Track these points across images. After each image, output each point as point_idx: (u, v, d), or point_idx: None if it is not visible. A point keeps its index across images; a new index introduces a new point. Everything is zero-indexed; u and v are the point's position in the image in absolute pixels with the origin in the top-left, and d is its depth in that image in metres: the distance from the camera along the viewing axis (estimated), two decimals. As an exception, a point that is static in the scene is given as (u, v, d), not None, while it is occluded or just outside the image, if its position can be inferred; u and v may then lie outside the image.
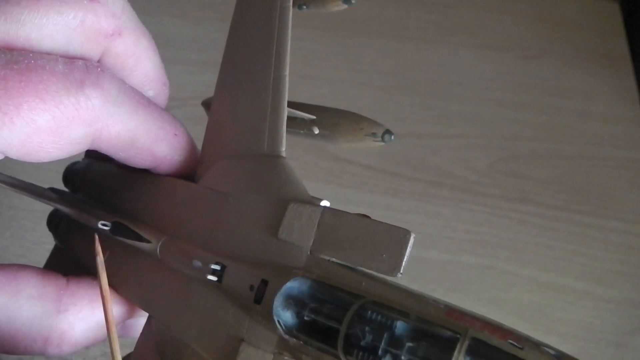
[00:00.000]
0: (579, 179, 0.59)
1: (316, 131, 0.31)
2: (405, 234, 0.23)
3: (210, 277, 0.25)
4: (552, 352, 0.20)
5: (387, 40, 0.71)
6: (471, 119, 0.64)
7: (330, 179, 0.57)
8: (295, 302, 0.22)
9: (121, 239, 0.28)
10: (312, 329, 0.21)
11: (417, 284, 0.54)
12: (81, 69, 0.24)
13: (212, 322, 0.25)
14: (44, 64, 0.24)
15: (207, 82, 0.65)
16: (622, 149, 0.62)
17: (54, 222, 0.34)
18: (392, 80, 0.67)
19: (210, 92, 0.67)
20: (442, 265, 0.52)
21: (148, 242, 0.28)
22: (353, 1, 0.31)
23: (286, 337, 0.22)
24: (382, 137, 0.30)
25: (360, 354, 0.20)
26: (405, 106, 0.64)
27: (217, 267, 0.25)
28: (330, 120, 0.31)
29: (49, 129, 0.24)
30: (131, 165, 0.29)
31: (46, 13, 0.24)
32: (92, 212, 0.30)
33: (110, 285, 0.27)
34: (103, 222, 0.28)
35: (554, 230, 0.55)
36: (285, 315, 0.22)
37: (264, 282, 0.23)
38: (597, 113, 0.65)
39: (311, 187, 0.62)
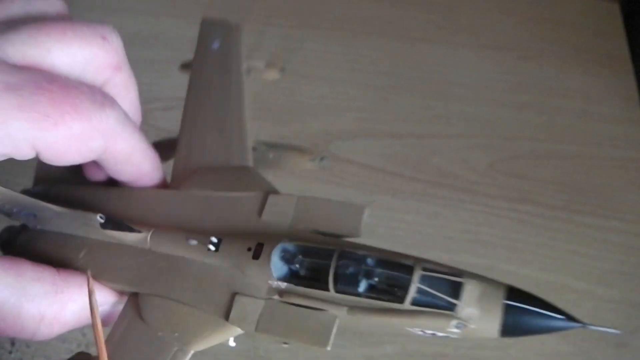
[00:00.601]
0: (579, 179, 0.59)
1: (270, 155, 0.39)
2: (362, 207, 0.31)
3: (211, 246, 0.30)
4: (493, 281, 0.27)
5: (387, 40, 0.71)
6: (471, 119, 0.64)
7: (330, 179, 0.57)
8: (287, 257, 0.29)
9: (111, 232, 0.32)
10: (302, 275, 0.28)
11: (417, 284, 0.53)
12: (100, 92, 0.31)
13: (206, 284, 0.30)
14: (75, 85, 0.29)
15: (207, 82, 0.65)
16: (622, 148, 0.62)
17: (8, 239, 0.37)
18: (392, 80, 0.67)
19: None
20: (442, 265, 0.52)
21: (139, 232, 0.32)
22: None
23: (276, 283, 0.29)
24: (321, 160, 0.38)
25: (345, 283, 0.27)
26: (405, 106, 0.64)
27: (215, 240, 0.30)
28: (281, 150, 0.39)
29: (78, 136, 0.29)
30: (117, 178, 0.35)
31: (70, 46, 0.30)
32: (83, 210, 0.33)
33: (94, 277, 0.31)
34: (100, 214, 0.32)
35: (554, 230, 0.55)
36: (279, 267, 0.29)
37: (260, 245, 0.29)
38: (597, 113, 0.65)
39: (311, 188, 0.63)
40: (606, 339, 0.48)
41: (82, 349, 0.45)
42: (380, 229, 0.54)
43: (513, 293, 0.27)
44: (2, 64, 0.28)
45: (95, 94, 0.30)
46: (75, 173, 0.38)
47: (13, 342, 0.45)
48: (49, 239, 0.35)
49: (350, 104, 0.64)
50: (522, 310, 0.26)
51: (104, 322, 0.32)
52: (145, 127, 0.59)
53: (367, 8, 0.75)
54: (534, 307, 0.26)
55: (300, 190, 0.55)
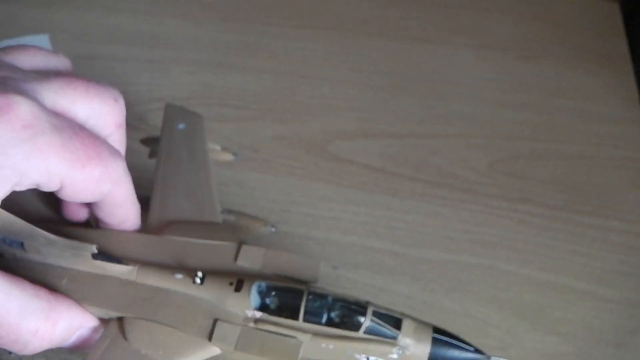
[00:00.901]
0: (579, 179, 0.59)
1: (232, 218, 0.45)
2: (318, 261, 0.38)
3: (197, 280, 0.36)
4: (423, 321, 0.35)
5: (387, 40, 0.71)
6: (471, 119, 0.64)
7: (330, 179, 0.57)
8: (262, 292, 0.35)
9: (101, 263, 0.37)
10: (274, 307, 0.35)
11: (417, 284, 0.54)
12: (111, 145, 0.36)
13: (189, 310, 0.35)
14: (97, 135, 0.35)
15: (206, 82, 0.65)
16: (622, 148, 0.62)
17: None
18: (391, 80, 0.67)
19: (209, 92, 0.68)
20: (442, 265, 0.52)
21: (127, 265, 0.37)
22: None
23: (252, 312, 0.35)
24: (272, 227, 0.46)
25: (311, 315, 0.34)
26: (405, 106, 0.64)
27: (201, 275, 0.36)
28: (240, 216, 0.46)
29: (97, 179, 0.34)
30: (105, 219, 0.40)
31: (90, 101, 0.35)
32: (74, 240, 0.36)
33: (77, 302, 0.36)
34: (96, 246, 0.35)
35: (554, 230, 0.55)
36: (255, 300, 0.35)
37: (240, 280, 0.36)
38: (597, 113, 0.65)
39: (311, 188, 0.63)
40: (606, 339, 0.48)
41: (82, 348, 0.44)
42: (380, 229, 0.54)
43: (438, 330, 0.35)
44: (46, 109, 0.32)
45: (111, 147, 0.36)
46: (49, 212, 0.43)
47: (13, 342, 0.45)
48: (27, 268, 0.38)
49: (350, 104, 0.64)
50: (444, 343, 0.35)
51: (81, 346, 0.37)
52: (144, 126, 0.59)
53: (367, 8, 0.75)
54: (453, 340, 0.35)
55: (301, 189, 0.56)
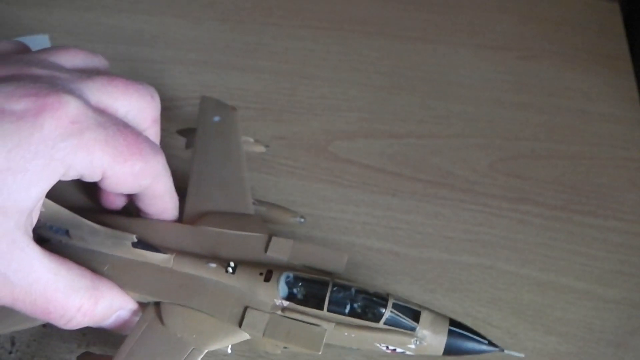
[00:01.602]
0: (579, 179, 0.59)
1: (263, 209, 0.47)
2: (344, 254, 0.41)
3: (229, 269, 0.39)
4: (440, 314, 0.38)
5: (387, 40, 0.71)
6: (471, 119, 0.64)
7: (330, 179, 0.57)
8: (290, 282, 0.38)
9: (140, 251, 0.39)
10: (300, 297, 0.38)
11: (417, 284, 0.54)
12: (153, 142, 0.39)
13: (222, 298, 0.38)
14: (139, 132, 0.38)
15: (207, 82, 0.65)
16: (623, 148, 0.62)
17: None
18: (391, 80, 0.67)
19: (209, 92, 0.67)
20: (442, 265, 0.52)
21: (164, 253, 0.40)
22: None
23: (280, 301, 0.38)
24: (301, 217, 0.48)
25: (335, 305, 0.37)
26: (404, 106, 0.64)
27: (233, 265, 0.39)
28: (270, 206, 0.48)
29: (137, 173, 0.37)
30: (145, 210, 0.42)
31: (129, 98, 0.38)
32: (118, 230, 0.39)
33: (119, 286, 0.39)
34: (136, 235, 0.39)
35: (554, 230, 0.55)
36: (283, 289, 0.38)
37: (270, 271, 0.38)
38: (597, 113, 0.65)
39: (312, 188, 0.63)
40: (606, 339, 0.48)
41: (83, 348, 0.44)
42: (380, 229, 0.54)
43: (454, 323, 0.38)
44: (91, 106, 0.35)
45: (152, 143, 0.38)
46: (88, 200, 0.45)
47: (13, 342, 0.45)
48: (72, 254, 0.40)
49: (350, 104, 0.64)
50: (460, 335, 0.37)
51: (119, 328, 0.39)
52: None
53: (367, 8, 0.75)
54: (468, 333, 0.37)
55: (301, 189, 0.56)
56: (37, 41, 0.65)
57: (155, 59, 0.66)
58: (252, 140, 0.52)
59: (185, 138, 0.52)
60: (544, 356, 0.47)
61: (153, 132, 0.41)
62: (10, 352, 0.45)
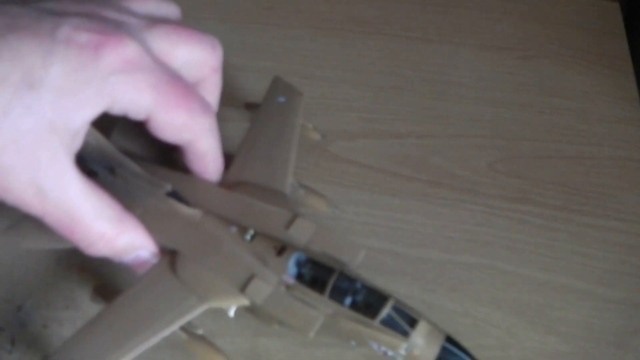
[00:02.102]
0: (579, 179, 0.59)
1: (301, 192, 0.49)
2: (362, 247, 0.42)
3: (247, 237, 0.41)
4: (438, 327, 0.39)
5: (387, 40, 0.71)
6: (471, 119, 0.64)
7: (330, 179, 0.57)
8: (300, 262, 0.39)
9: (172, 202, 0.42)
10: (307, 278, 0.39)
11: (417, 284, 0.54)
12: (206, 101, 0.41)
13: (233, 262, 0.40)
14: (193, 88, 0.40)
15: (207, 82, 0.65)
16: (622, 149, 0.62)
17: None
18: (391, 80, 0.67)
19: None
20: (442, 265, 0.52)
21: (193, 209, 0.42)
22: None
23: (287, 278, 0.39)
24: (335, 207, 0.50)
25: (336, 294, 0.38)
26: (404, 106, 0.64)
27: (252, 233, 0.41)
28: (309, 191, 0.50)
29: (179, 126, 0.39)
30: (187, 164, 0.44)
31: (191, 46, 0.39)
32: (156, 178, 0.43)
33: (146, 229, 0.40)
34: (170, 185, 0.42)
35: (554, 230, 0.55)
36: (292, 268, 0.39)
37: (284, 247, 0.40)
38: (597, 113, 0.65)
39: (314, 187, 0.62)
40: (606, 340, 0.48)
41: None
42: (380, 229, 0.54)
43: (450, 340, 0.37)
44: (150, 53, 0.37)
45: (203, 101, 0.40)
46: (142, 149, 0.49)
47: (13, 341, 0.45)
48: (114, 191, 0.42)
49: (350, 104, 0.64)
50: (453, 354, 0.37)
51: (137, 267, 0.41)
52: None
53: (367, 8, 0.75)
54: (462, 354, 0.37)
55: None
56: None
57: (155, 59, 0.66)
58: (310, 126, 0.54)
59: (251, 112, 0.55)
60: (543, 356, 0.47)
61: (212, 81, 0.42)
62: (10, 352, 0.45)
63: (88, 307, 0.46)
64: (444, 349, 0.37)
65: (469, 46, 0.71)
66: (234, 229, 0.41)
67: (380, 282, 0.51)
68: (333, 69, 0.67)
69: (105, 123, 0.46)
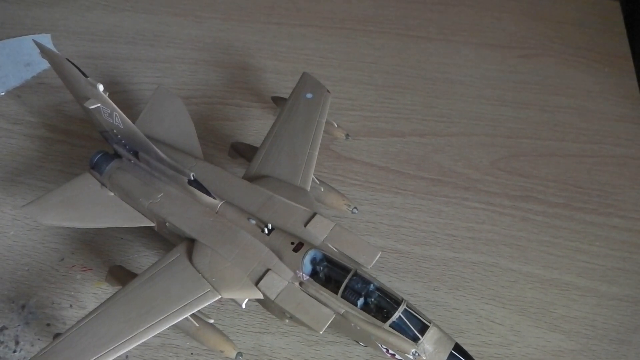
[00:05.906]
0: (581, 177, 0.59)
1: (321, 189, 0.49)
2: (378, 249, 0.42)
3: (266, 230, 0.41)
4: (448, 335, 0.39)
5: (389, 39, 0.71)
6: (473, 117, 0.64)
7: (334, 177, 0.57)
8: (316, 260, 0.39)
9: (193, 190, 0.43)
10: (321, 276, 0.39)
11: (420, 281, 0.54)
12: None
13: (250, 254, 0.40)
14: None
15: (208, 81, 0.65)
16: (623, 146, 0.62)
17: (99, 163, 0.47)
18: (393, 78, 0.67)
19: (211, 90, 0.67)
20: (445, 263, 0.52)
21: (214, 198, 0.43)
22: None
23: (301, 274, 0.39)
24: (355, 208, 0.49)
25: (350, 294, 0.39)
26: (407, 104, 0.64)
27: (270, 227, 0.41)
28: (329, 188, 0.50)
29: None
30: None
31: None
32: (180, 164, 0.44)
33: (165, 216, 0.43)
34: (193, 174, 0.44)
35: (556, 227, 0.55)
36: (307, 264, 0.39)
37: (301, 243, 0.40)
38: (598, 111, 0.65)
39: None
40: (609, 336, 0.48)
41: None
42: (384, 227, 0.54)
43: (458, 348, 0.38)
44: None
45: None
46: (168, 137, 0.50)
47: (17, 341, 0.45)
48: (137, 174, 0.45)
49: (353, 103, 0.64)
50: None
51: None
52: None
53: (369, 7, 0.75)
54: None
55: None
56: (40, 40, 0.65)
57: (157, 58, 0.66)
58: (335, 124, 0.55)
59: (278, 106, 0.57)
60: (547, 353, 0.47)
61: None
62: (15, 352, 0.45)
63: (91, 306, 0.46)
64: (450, 356, 0.38)
65: (470, 45, 0.71)
66: (253, 221, 0.42)
67: (383, 279, 0.51)
68: (335, 68, 0.67)
69: (129, 109, 0.47)
